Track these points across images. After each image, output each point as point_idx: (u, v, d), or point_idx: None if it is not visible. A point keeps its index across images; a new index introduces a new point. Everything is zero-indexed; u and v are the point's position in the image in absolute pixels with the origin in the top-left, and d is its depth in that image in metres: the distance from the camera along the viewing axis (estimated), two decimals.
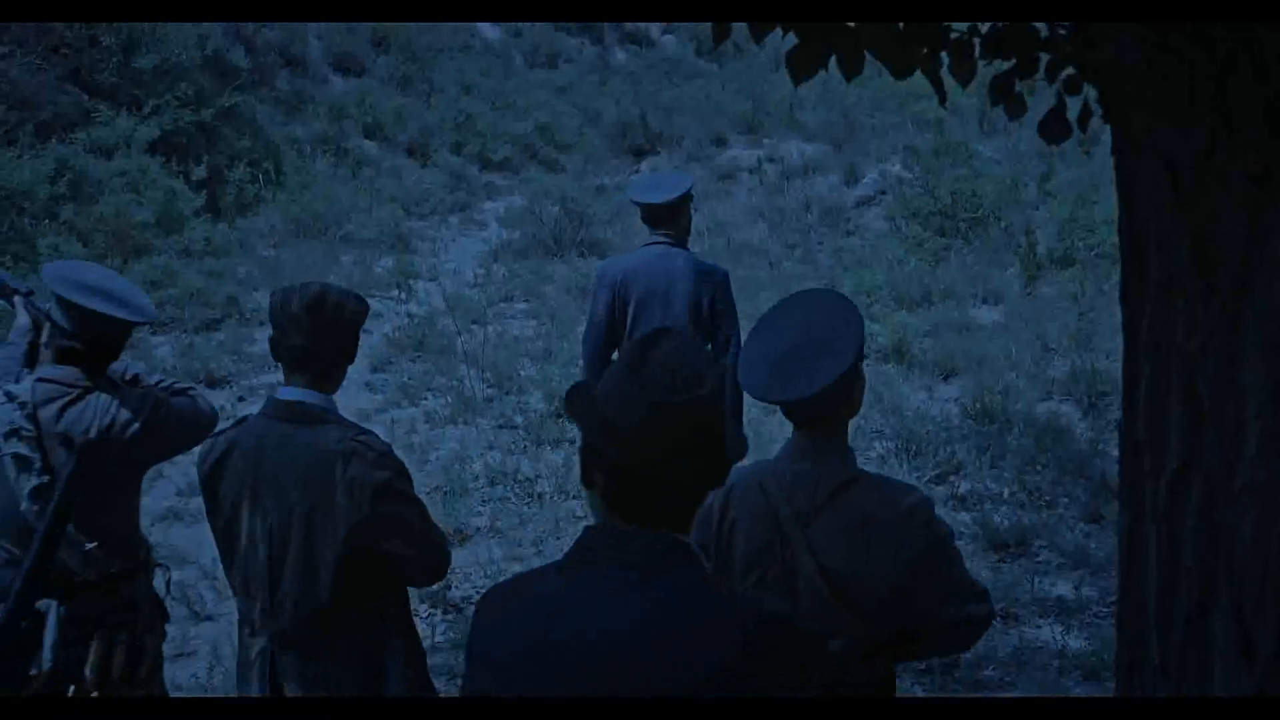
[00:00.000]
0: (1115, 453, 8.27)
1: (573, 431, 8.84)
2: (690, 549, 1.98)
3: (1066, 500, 7.58)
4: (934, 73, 2.02)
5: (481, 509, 7.58)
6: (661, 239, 5.93)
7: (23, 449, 3.62)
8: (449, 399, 9.26)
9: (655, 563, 1.92)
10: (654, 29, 26.41)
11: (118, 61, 13.99)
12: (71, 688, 2.69)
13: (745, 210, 15.03)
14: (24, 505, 3.61)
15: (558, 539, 7.06)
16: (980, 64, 2.10)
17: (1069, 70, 2.03)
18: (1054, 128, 2.06)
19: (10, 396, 3.67)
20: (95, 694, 2.73)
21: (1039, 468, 7.90)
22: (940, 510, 7.13)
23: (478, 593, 6.28)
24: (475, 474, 7.97)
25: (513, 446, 8.54)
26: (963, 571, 3.05)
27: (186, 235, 12.39)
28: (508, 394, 9.41)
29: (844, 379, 2.81)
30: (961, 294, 11.65)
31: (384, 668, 3.43)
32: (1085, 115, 2.17)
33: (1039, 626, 6.23)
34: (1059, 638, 6.07)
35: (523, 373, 9.86)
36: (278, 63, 17.71)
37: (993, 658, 5.91)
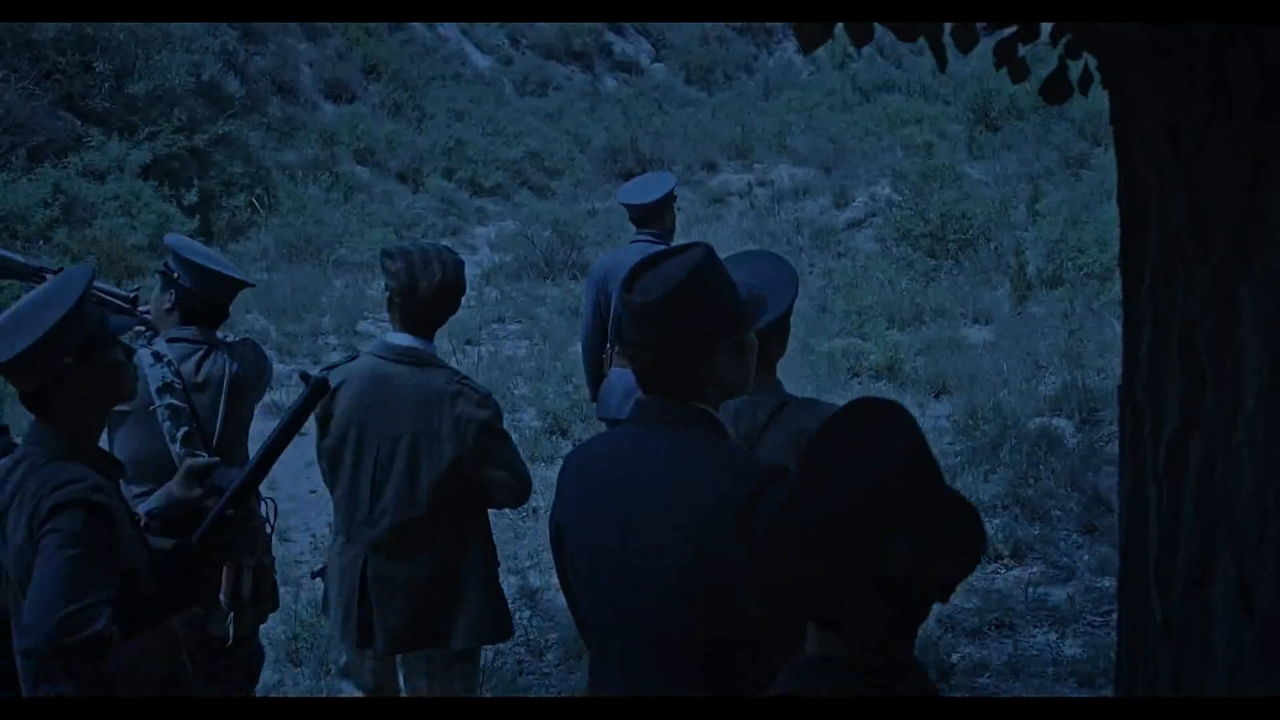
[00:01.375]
0: (1108, 466, 8.38)
1: (566, 449, 8.89)
2: (712, 416, 2.49)
3: (1060, 513, 7.62)
4: (936, 39, 2.07)
5: None
6: (646, 237, 6.25)
7: (175, 400, 4.16)
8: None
9: (684, 422, 2.46)
10: (644, 57, 26.58)
11: (111, 88, 14.04)
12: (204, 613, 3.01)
13: (736, 233, 15.10)
14: (176, 450, 4.11)
15: (550, 553, 7.06)
16: (981, 34, 2.14)
17: (1070, 35, 2.07)
18: (1055, 90, 2.10)
19: (158, 357, 4.20)
20: (230, 615, 3.03)
21: (1032, 481, 7.93)
22: None
23: None
24: None
25: None
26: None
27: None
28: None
29: (780, 323, 3.29)
30: (952, 314, 11.72)
31: (459, 574, 4.04)
32: (1086, 80, 2.22)
33: (1034, 635, 6.26)
34: (1054, 645, 6.10)
35: (516, 391, 9.89)
36: (270, 90, 17.79)
37: (988, 665, 5.93)
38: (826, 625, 1.70)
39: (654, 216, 6.27)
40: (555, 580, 6.78)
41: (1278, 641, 1.77)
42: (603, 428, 7.27)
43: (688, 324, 2.42)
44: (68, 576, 2.70)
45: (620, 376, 6.26)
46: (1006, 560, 7.05)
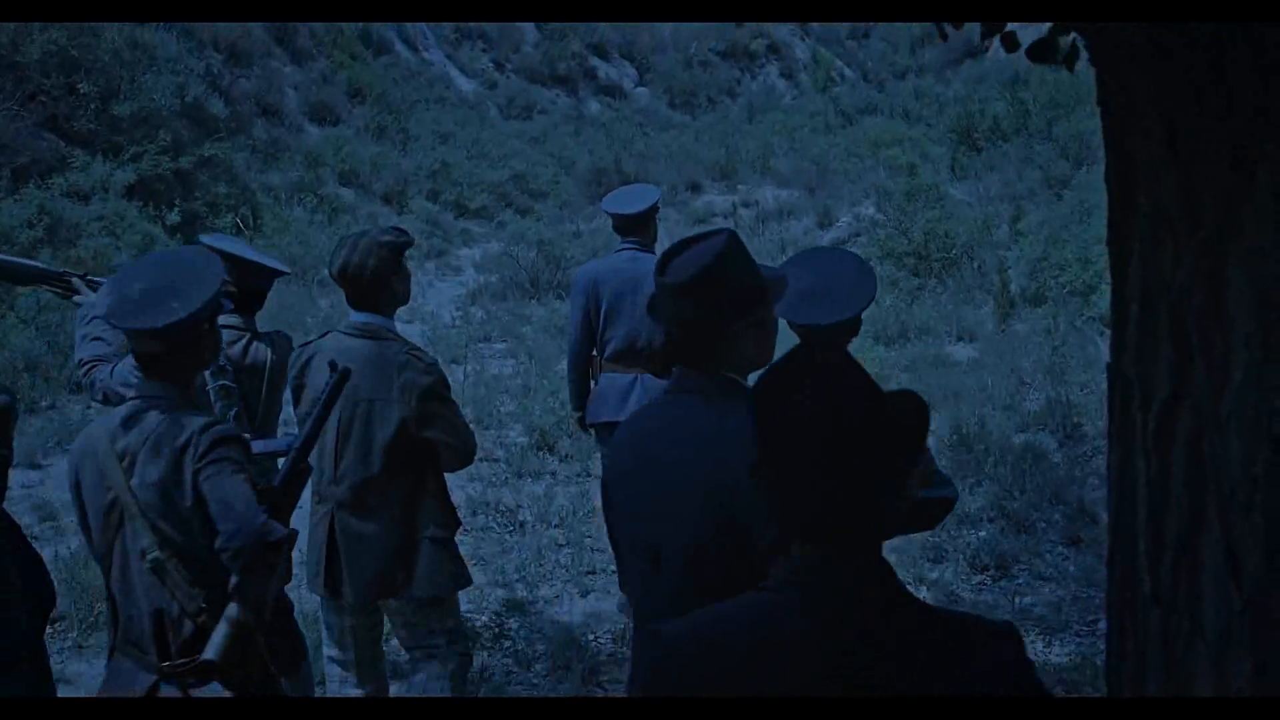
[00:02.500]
0: (1093, 479, 8.42)
1: (552, 464, 8.90)
2: (741, 385, 2.77)
3: (1045, 525, 7.64)
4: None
5: (464, 538, 7.56)
6: (631, 245, 6.39)
7: (227, 382, 4.48)
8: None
9: (715, 392, 2.75)
10: (627, 81, 26.71)
11: (96, 109, 14.03)
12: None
13: None
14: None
15: (540, 565, 7.08)
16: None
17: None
18: (1042, 53, 2.13)
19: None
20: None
21: (1017, 494, 7.96)
22: (920, 535, 7.20)
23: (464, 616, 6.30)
24: (458, 504, 7.95)
25: (494, 479, 8.57)
26: (932, 459, 3.83)
27: None
28: (488, 429, 9.44)
29: (851, 322, 3.83)
30: (937, 331, 11.78)
31: (416, 530, 4.39)
32: (1072, 56, 2.25)
33: None
34: (1041, 653, 6.11)
35: (503, 409, 9.90)
36: (254, 112, 17.81)
37: None
38: (811, 536, 1.84)
39: (638, 226, 6.38)
40: (543, 592, 6.83)
41: (1265, 607, 1.79)
42: (582, 435, 7.34)
43: (713, 301, 2.74)
44: (247, 494, 3.27)
45: (610, 381, 6.37)
46: (992, 572, 7.07)
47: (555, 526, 7.67)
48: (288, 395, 4.69)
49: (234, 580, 3.27)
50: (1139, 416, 1.93)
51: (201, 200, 14.38)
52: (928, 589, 6.85)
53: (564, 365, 10.25)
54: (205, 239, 4.70)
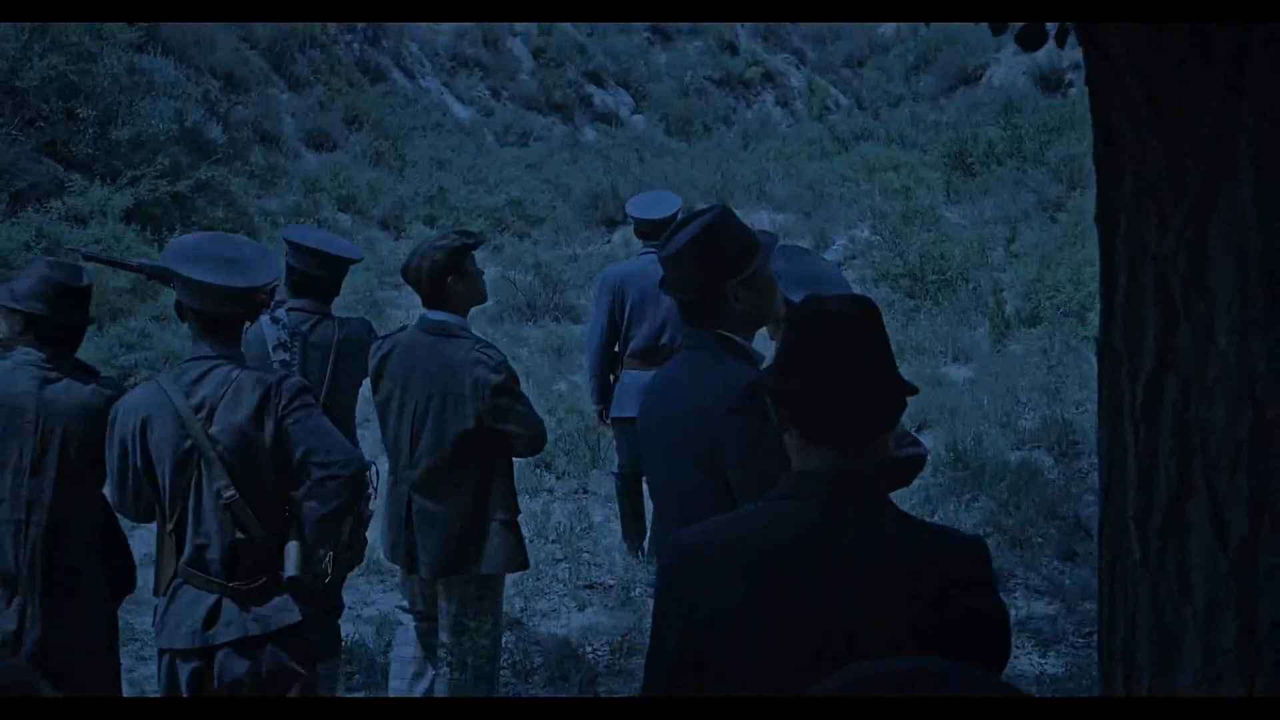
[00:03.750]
0: (1089, 496, 8.44)
1: (549, 482, 8.92)
2: (732, 340, 3.17)
3: (1041, 540, 7.67)
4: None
5: None
6: (653, 249, 6.45)
7: (286, 356, 4.99)
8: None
9: (699, 345, 3.19)
10: (623, 109, 26.84)
11: (94, 134, 14.10)
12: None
13: None
14: None
15: (536, 580, 7.09)
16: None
17: None
18: (1031, 37, 2.17)
19: (275, 320, 5.07)
20: (329, 555, 3.99)
21: (1012, 509, 7.99)
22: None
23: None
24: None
25: None
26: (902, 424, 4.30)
27: (162, 301, 12.42)
28: None
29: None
30: (932, 351, 11.81)
31: (485, 512, 4.82)
32: (1063, 32, 2.30)
33: (1017, 656, 6.29)
34: (1038, 664, 6.13)
35: None
36: (252, 138, 17.87)
37: None
38: (829, 439, 2.13)
39: (661, 231, 6.47)
40: (540, 606, 6.84)
41: (1252, 567, 1.82)
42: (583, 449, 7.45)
43: (703, 265, 3.12)
44: (336, 433, 3.83)
45: (633, 378, 6.64)
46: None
47: (553, 542, 7.69)
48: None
49: (319, 509, 3.79)
50: (1127, 387, 1.97)
51: (198, 224, 14.40)
52: None
53: (561, 385, 10.36)
54: (285, 233, 5.54)
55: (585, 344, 7.22)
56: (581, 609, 6.79)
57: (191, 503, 3.81)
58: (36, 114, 13.85)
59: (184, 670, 3.83)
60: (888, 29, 32.09)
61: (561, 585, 7.09)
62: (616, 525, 8.17)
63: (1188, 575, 1.88)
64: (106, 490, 4.15)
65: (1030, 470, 8.61)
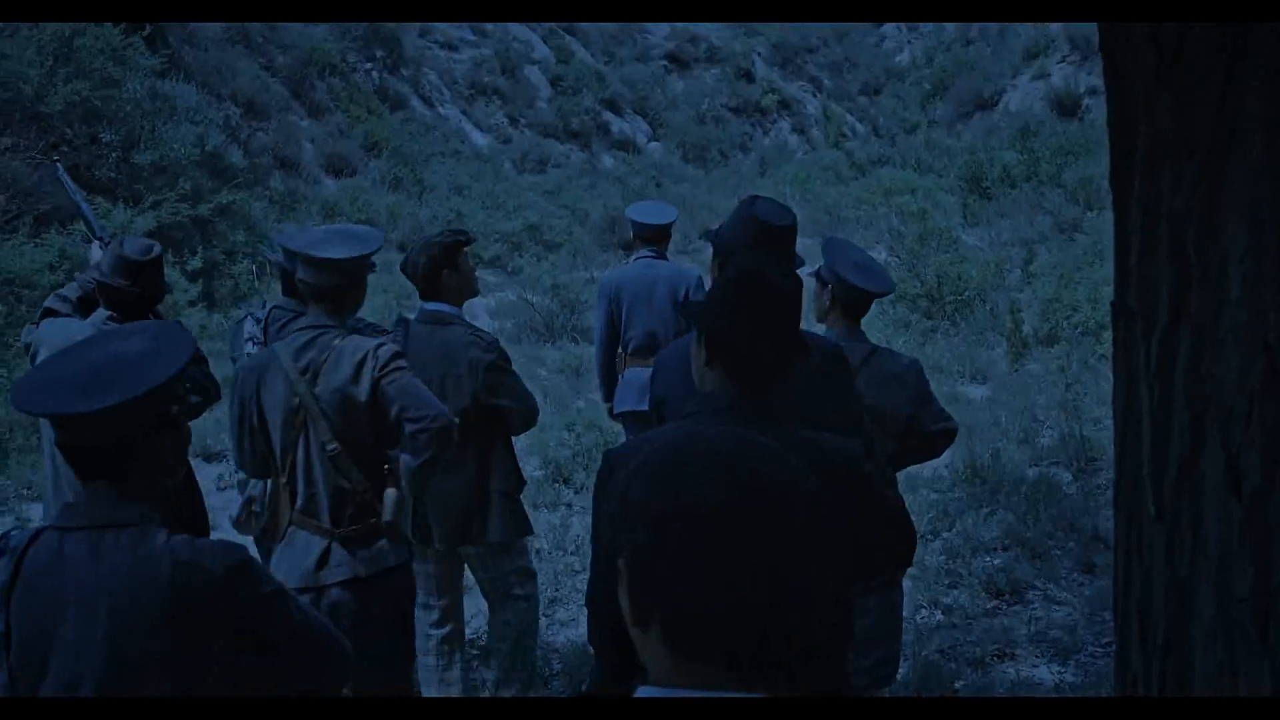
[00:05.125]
0: (1107, 511, 8.42)
1: (568, 496, 8.96)
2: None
3: (1059, 552, 7.65)
4: None
5: None
6: (649, 254, 7.10)
7: (254, 350, 5.23)
8: None
9: None
10: (640, 136, 26.97)
11: (117, 158, 14.25)
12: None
13: None
14: None
15: (556, 590, 7.11)
16: None
17: None
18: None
19: (256, 320, 5.47)
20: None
21: (1031, 523, 7.97)
22: (935, 560, 7.22)
23: (480, 638, 6.31)
24: None
25: None
26: (937, 402, 4.74)
27: (182, 322, 12.51)
28: None
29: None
30: (950, 371, 11.81)
31: (488, 486, 5.19)
32: None
33: (1036, 665, 6.28)
34: (1057, 673, 6.11)
35: (520, 443, 9.93)
36: (272, 164, 18.03)
37: (991, 690, 5.95)
38: (732, 372, 2.73)
39: (657, 237, 7.10)
40: (559, 615, 6.85)
41: (1265, 517, 1.84)
42: (617, 426, 7.92)
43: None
44: (426, 391, 4.20)
45: (635, 374, 6.96)
46: (1007, 596, 7.08)
47: (571, 554, 7.71)
48: None
49: (412, 461, 4.18)
50: (1141, 345, 2.00)
51: (219, 247, 14.53)
52: (943, 613, 6.87)
53: (580, 403, 10.43)
54: (281, 238, 5.67)
55: (594, 347, 7.61)
56: None
57: (300, 456, 4.22)
58: (60, 138, 14.00)
59: None
60: (903, 57, 32.22)
61: (579, 595, 7.10)
62: None
63: (1202, 527, 1.90)
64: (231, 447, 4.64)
65: (1048, 485, 8.60)
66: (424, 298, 5.20)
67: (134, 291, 4.89)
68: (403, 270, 5.22)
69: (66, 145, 14.01)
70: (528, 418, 5.25)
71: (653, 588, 1.38)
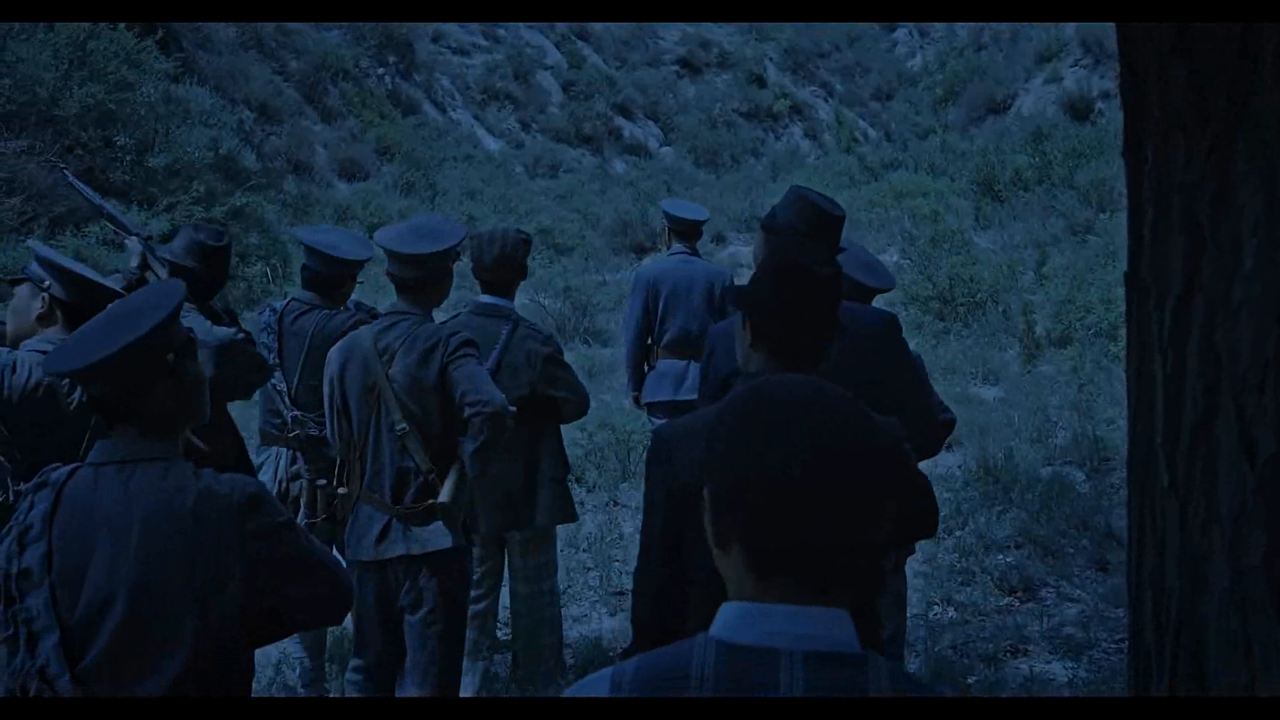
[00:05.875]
0: (1120, 510, 8.40)
1: (580, 494, 8.96)
2: None
3: (1072, 550, 7.64)
4: None
5: None
6: (682, 249, 7.35)
7: (268, 340, 5.47)
8: None
9: None
10: (652, 141, 26.98)
11: (131, 161, 14.30)
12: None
13: None
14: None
15: (567, 586, 7.12)
16: None
17: None
18: None
19: (274, 310, 5.64)
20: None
21: (1044, 521, 7.97)
22: (948, 558, 7.20)
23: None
24: None
25: None
26: (935, 394, 5.00)
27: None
28: None
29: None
30: (963, 371, 11.81)
31: (537, 472, 5.40)
32: None
33: (1049, 661, 6.27)
34: (1070, 669, 6.11)
35: None
36: (286, 167, 18.08)
37: (1004, 686, 5.94)
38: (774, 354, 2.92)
39: (691, 233, 7.39)
40: (572, 611, 6.86)
41: (1278, 486, 1.84)
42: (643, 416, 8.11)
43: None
44: (488, 376, 4.44)
45: (668, 366, 7.25)
46: (1020, 594, 7.07)
47: (584, 551, 7.73)
48: None
49: (478, 441, 4.40)
50: (1155, 316, 2.00)
51: (233, 249, 14.56)
52: (955, 609, 6.86)
53: (593, 403, 10.50)
54: (297, 231, 6.16)
55: (623, 336, 7.84)
56: (613, 614, 6.82)
57: (372, 433, 4.50)
58: (75, 142, 14.05)
59: (368, 583, 4.49)
60: (916, 62, 32.20)
61: (593, 592, 7.12)
62: None
63: (1215, 496, 1.90)
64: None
65: (1061, 484, 8.59)
66: (486, 290, 5.39)
67: (205, 275, 5.11)
68: (473, 258, 5.38)
69: (81, 148, 14.08)
70: (580, 408, 5.48)
71: (732, 514, 1.57)
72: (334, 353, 4.68)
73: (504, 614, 6.11)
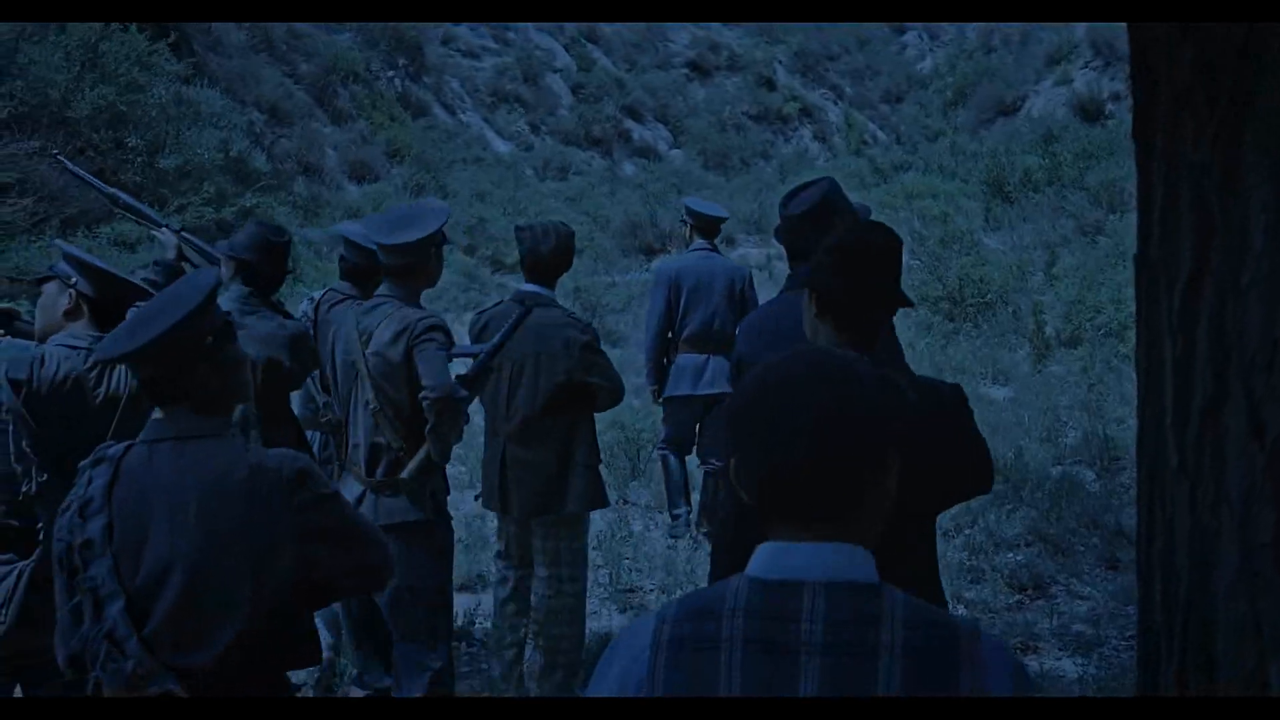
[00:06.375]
0: (1130, 509, 8.39)
1: None
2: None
3: (1082, 548, 7.63)
4: None
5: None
6: (704, 245, 7.56)
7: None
8: (467, 466, 9.39)
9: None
10: (661, 143, 27.01)
11: (143, 162, 14.37)
12: None
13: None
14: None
15: None
16: None
17: None
18: None
19: (311, 299, 5.96)
20: None
21: (1054, 520, 7.96)
22: (957, 555, 7.20)
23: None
24: (494, 529, 8.06)
25: None
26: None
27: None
28: None
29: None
30: (973, 371, 11.80)
31: (571, 459, 5.44)
32: None
33: (1059, 658, 6.27)
34: (1079, 665, 6.10)
35: None
36: (296, 169, 18.13)
37: None
38: (840, 327, 3.09)
39: (712, 229, 7.57)
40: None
41: None
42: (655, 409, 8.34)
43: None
44: (444, 364, 4.58)
45: (687, 360, 7.43)
46: (1030, 591, 7.07)
47: (594, 549, 7.71)
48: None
49: (429, 424, 4.56)
50: (1164, 299, 2.01)
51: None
52: (965, 607, 6.86)
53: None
54: (339, 226, 6.24)
55: (645, 330, 7.95)
56: (623, 610, 6.84)
57: (352, 409, 4.77)
58: (87, 143, 14.13)
59: None
60: (925, 64, 32.19)
61: (603, 589, 7.13)
62: (656, 533, 8.22)
63: (1224, 476, 1.91)
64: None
65: (1071, 483, 8.58)
66: (529, 278, 5.51)
67: (266, 269, 5.31)
68: (519, 240, 5.53)
69: (93, 149, 14.15)
70: (615, 395, 5.55)
71: (752, 481, 1.78)
72: (330, 333, 5.00)
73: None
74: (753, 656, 1.70)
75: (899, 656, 1.67)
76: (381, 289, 4.83)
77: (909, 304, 3.25)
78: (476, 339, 5.58)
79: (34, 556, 4.02)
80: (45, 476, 3.95)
